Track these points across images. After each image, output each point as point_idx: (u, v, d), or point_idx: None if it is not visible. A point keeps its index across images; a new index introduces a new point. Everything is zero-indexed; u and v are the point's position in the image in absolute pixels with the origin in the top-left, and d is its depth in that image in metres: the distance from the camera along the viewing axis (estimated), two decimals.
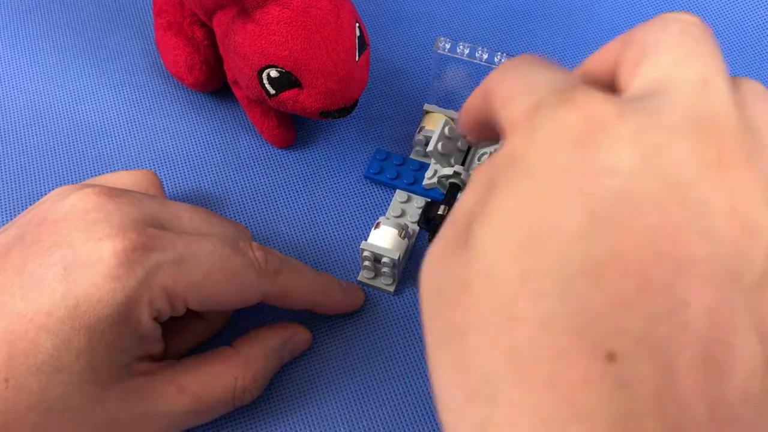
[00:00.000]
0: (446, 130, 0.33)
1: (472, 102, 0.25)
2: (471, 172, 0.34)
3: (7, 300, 0.26)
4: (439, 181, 0.34)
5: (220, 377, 0.30)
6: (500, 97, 0.22)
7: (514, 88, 0.21)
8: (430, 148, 0.33)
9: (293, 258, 0.33)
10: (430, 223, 0.33)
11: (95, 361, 0.26)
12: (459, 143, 0.34)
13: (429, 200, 0.38)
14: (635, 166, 0.18)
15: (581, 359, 0.17)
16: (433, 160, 0.35)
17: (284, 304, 0.32)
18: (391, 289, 0.36)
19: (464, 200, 0.22)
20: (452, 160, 0.34)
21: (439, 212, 0.33)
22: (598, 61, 0.23)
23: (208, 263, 0.28)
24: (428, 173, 0.36)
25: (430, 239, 0.34)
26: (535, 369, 0.17)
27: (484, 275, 0.19)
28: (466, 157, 0.35)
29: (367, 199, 0.40)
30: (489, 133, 0.25)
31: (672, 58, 0.20)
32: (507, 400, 0.18)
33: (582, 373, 0.17)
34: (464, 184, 0.34)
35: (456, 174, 0.34)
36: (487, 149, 0.34)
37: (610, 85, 0.22)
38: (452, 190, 0.34)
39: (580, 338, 0.17)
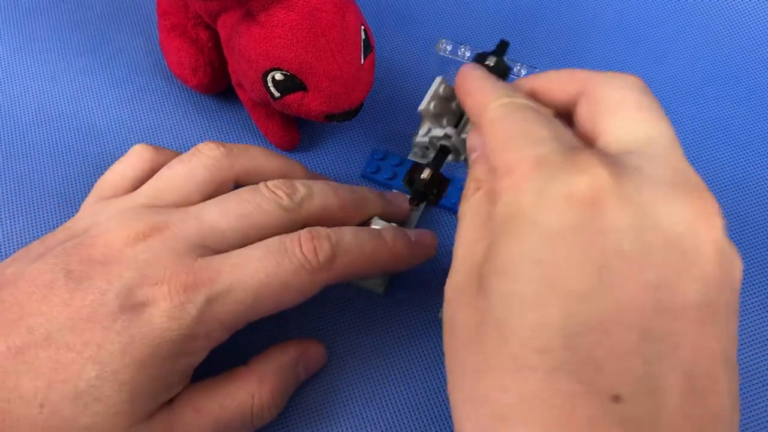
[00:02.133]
0: (441, 89, 0.32)
1: (472, 88, 0.27)
2: (463, 136, 0.32)
3: (53, 331, 0.26)
4: (430, 142, 0.33)
5: (236, 395, 0.30)
6: (499, 138, 0.23)
7: (513, 133, 0.23)
8: (421, 107, 0.31)
9: (349, 229, 0.31)
10: (413, 185, 0.32)
11: (137, 394, 0.26)
12: (453, 104, 0.33)
13: (414, 162, 0.37)
14: (635, 223, 0.20)
15: (588, 402, 0.19)
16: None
17: (350, 280, 0.32)
18: (380, 290, 0.36)
19: (469, 242, 0.24)
20: (445, 121, 0.33)
21: (423, 176, 0.31)
22: (546, 86, 0.26)
23: (256, 284, 0.28)
24: (421, 131, 0.34)
25: (411, 201, 0.32)
26: (544, 411, 0.19)
27: (496, 325, 0.21)
28: (459, 119, 0.33)
29: None
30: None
31: (642, 116, 0.23)
32: None
33: (589, 413, 0.19)
34: (455, 147, 0.32)
35: (446, 136, 0.32)
36: None
37: (561, 110, 0.25)
38: (441, 153, 0.33)
39: (587, 384, 0.19)
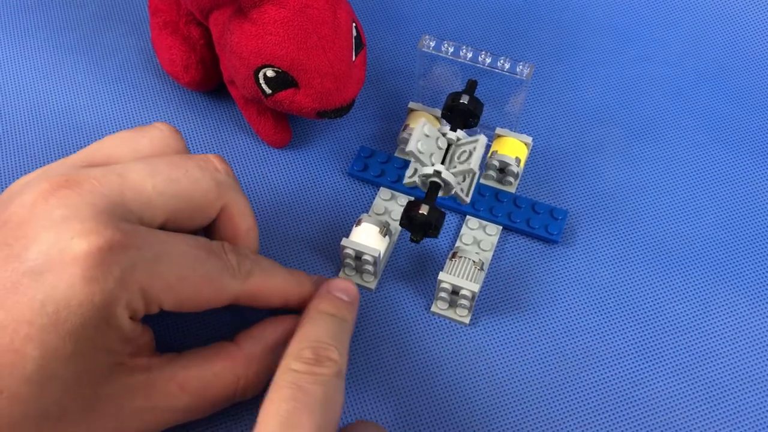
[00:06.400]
0: (425, 129, 0.33)
1: None
2: (451, 171, 0.34)
3: None
4: (419, 180, 0.34)
5: (222, 376, 0.30)
6: None
7: None
8: (409, 147, 0.33)
9: (265, 258, 0.32)
10: (412, 222, 0.33)
11: (84, 365, 0.25)
12: (438, 141, 0.34)
13: (411, 199, 0.38)
14: None
15: None
16: (413, 159, 0.35)
17: (256, 305, 0.31)
18: (372, 285, 0.36)
19: None
20: (432, 159, 0.34)
21: (420, 212, 0.33)
22: None
23: (183, 265, 0.28)
24: (408, 172, 0.36)
25: (412, 239, 0.33)
26: None
27: None
28: (445, 155, 0.35)
29: (351, 197, 0.40)
30: None
31: None
32: None
33: None
34: (445, 182, 0.33)
35: (437, 173, 0.33)
36: (467, 147, 0.34)
37: None
38: (433, 189, 0.34)
39: None
